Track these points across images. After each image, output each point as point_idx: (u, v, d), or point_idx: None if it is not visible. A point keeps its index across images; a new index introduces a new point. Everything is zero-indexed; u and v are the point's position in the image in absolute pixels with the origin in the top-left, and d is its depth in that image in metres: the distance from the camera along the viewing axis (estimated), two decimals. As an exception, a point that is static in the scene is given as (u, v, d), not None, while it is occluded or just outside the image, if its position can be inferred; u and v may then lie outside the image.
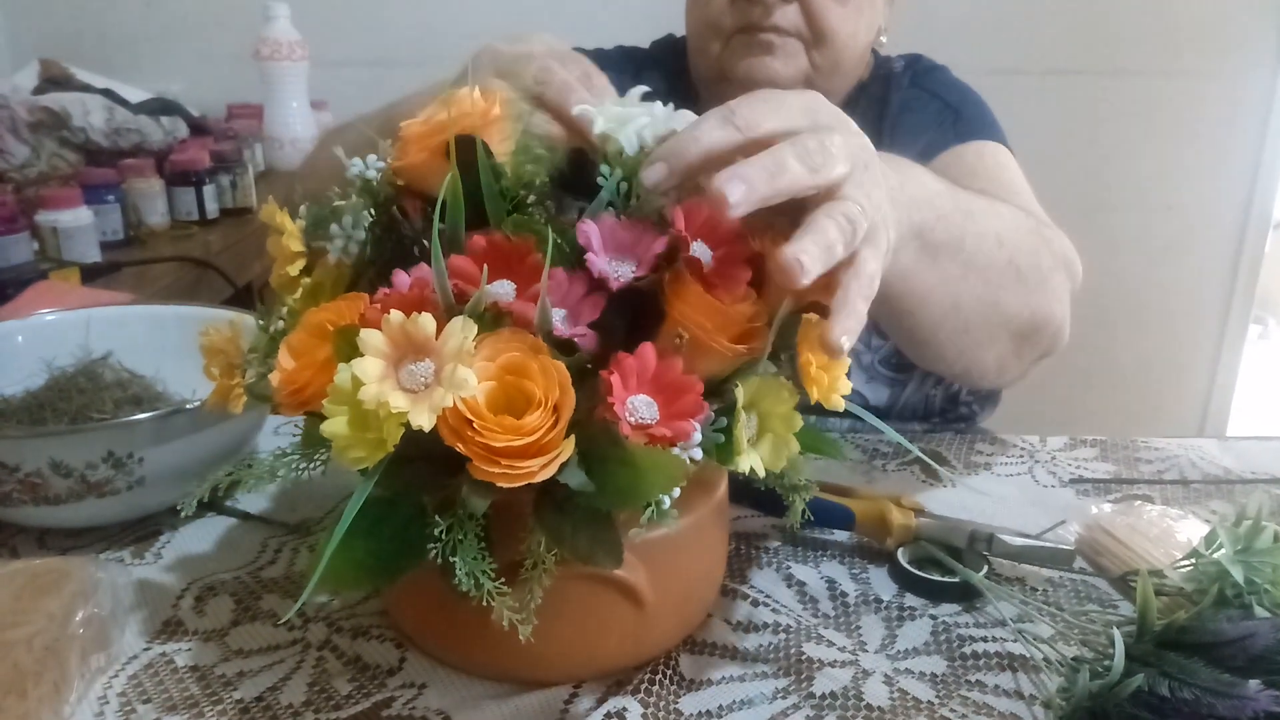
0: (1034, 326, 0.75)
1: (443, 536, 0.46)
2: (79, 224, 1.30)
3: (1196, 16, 1.94)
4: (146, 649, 0.59)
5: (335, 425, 0.44)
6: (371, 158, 0.54)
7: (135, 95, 1.68)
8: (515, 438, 0.42)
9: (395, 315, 0.44)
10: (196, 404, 0.66)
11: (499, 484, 0.43)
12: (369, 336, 0.44)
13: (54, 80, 1.70)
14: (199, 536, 0.70)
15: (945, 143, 0.92)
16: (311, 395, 0.48)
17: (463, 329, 0.43)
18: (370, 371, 0.43)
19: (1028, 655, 0.58)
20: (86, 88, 1.65)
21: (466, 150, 0.50)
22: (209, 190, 1.51)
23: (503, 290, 0.47)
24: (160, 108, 1.67)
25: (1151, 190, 2.06)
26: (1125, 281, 2.07)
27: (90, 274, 1.24)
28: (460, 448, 0.43)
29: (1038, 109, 1.96)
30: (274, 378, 0.49)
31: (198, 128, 1.74)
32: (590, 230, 0.48)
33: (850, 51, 0.91)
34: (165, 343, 0.81)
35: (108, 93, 1.62)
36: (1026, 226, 0.75)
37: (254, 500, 0.75)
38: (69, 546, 0.69)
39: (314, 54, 1.83)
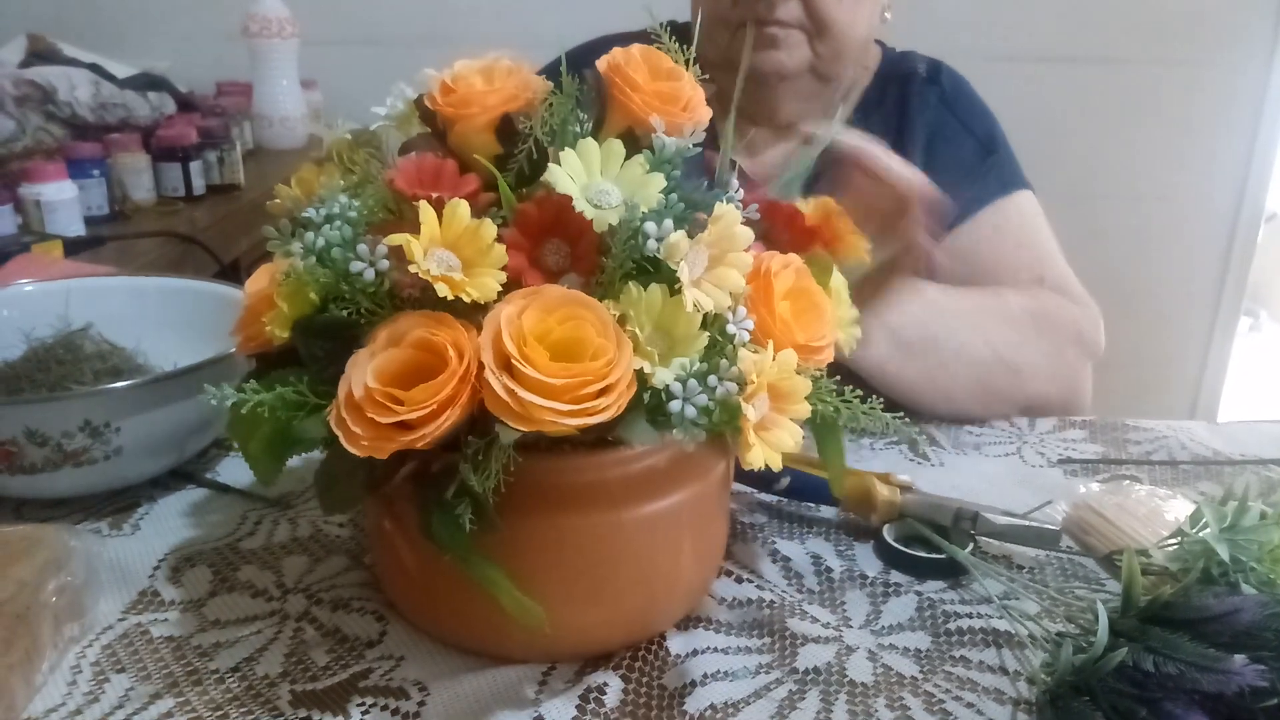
0: (1038, 406, 0.87)
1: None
2: (63, 198, 1.28)
3: (1191, 5, 1.93)
4: (122, 619, 0.58)
5: None
6: None
7: (123, 71, 1.65)
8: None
9: None
10: (174, 373, 0.65)
11: None
12: None
13: (41, 55, 1.68)
14: (178, 508, 0.69)
15: (990, 194, 0.97)
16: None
17: None
18: None
19: (1013, 632, 0.58)
20: (74, 62, 1.62)
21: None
22: (195, 166, 1.49)
23: None
24: (147, 83, 1.65)
25: (1144, 180, 2.06)
26: (1116, 272, 2.07)
27: (73, 248, 1.23)
28: None
29: (1031, 97, 1.95)
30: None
31: (186, 104, 1.72)
32: None
33: (850, 39, 0.93)
34: (146, 314, 0.80)
35: (95, 67, 1.60)
36: (1020, 319, 0.85)
37: (234, 473, 0.74)
38: (46, 517, 0.68)
39: (304, 32, 1.81)
